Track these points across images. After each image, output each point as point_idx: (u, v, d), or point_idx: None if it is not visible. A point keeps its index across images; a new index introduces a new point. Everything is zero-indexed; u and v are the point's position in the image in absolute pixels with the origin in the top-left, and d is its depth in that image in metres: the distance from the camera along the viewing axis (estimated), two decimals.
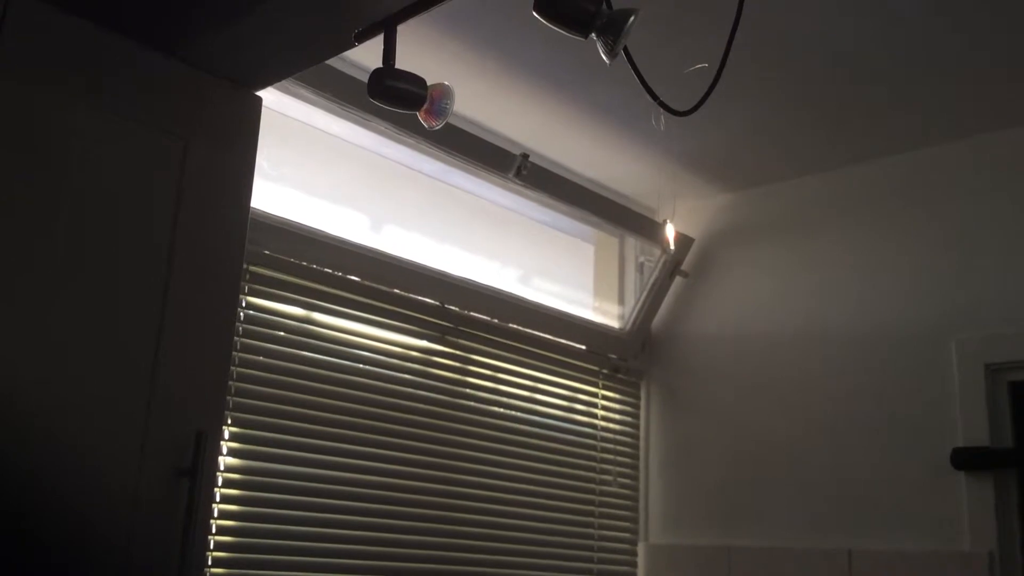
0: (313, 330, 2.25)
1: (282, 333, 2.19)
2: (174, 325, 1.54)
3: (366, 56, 2.14)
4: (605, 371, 3.00)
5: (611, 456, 2.97)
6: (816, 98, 2.44)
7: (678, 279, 3.10)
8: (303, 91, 2.15)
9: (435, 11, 1.45)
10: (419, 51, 2.15)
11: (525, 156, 2.58)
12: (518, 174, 2.58)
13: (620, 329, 3.11)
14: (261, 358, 2.13)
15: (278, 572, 2.09)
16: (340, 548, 2.21)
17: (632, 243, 3.20)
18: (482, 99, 2.47)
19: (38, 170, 1.42)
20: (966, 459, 2.40)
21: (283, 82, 1.82)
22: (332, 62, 2.01)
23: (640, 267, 3.17)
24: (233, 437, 2.06)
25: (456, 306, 2.57)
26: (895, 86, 2.35)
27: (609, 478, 2.94)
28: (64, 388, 1.40)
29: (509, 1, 2.00)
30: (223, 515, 2.01)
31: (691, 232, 3.10)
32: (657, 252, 3.11)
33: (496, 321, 2.69)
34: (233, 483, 2.04)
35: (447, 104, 1.52)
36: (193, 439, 1.52)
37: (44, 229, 1.42)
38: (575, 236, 3.16)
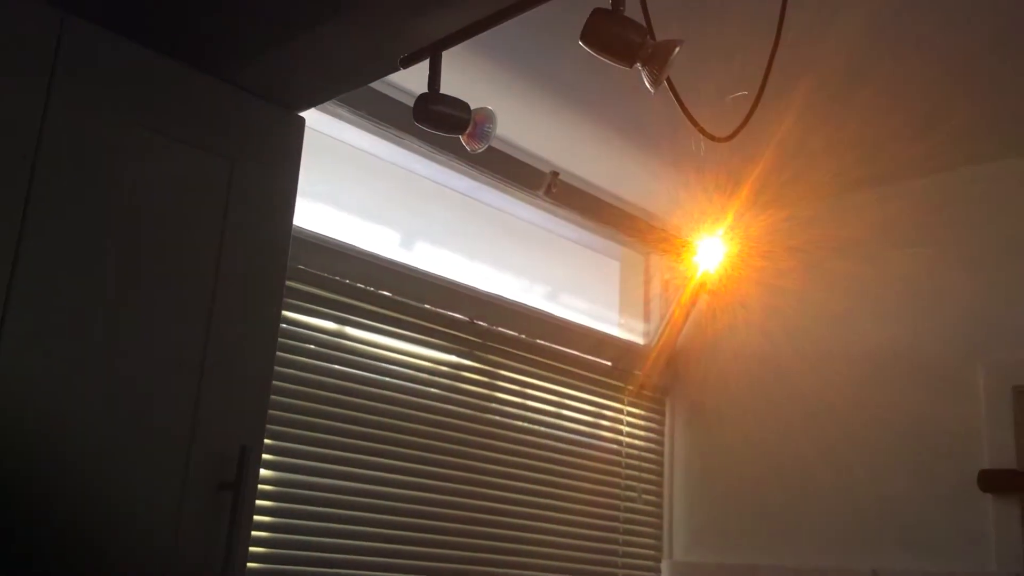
0: (345, 344, 2.28)
1: (312, 346, 2.22)
2: (219, 341, 1.57)
3: (399, 73, 2.17)
4: (630, 387, 3.02)
5: (636, 472, 2.98)
6: (846, 119, 2.45)
7: (703, 296, 3.12)
8: (337, 109, 2.18)
9: None
10: (450, 69, 2.18)
11: (555, 174, 2.61)
12: (548, 192, 2.61)
13: (645, 346, 3.12)
14: (293, 371, 2.16)
15: None
16: (368, 560, 2.23)
17: (658, 260, 3.22)
18: (513, 118, 2.49)
19: (89, 188, 1.45)
20: (993, 481, 2.41)
21: None
22: None
23: (666, 284, 3.19)
24: (265, 449, 2.08)
25: (485, 321, 2.60)
26: (926, 108, 2.37)
27: (634, 494, 2.95)
28: (110, 403, 1.43)
29: (541, 22, 2.02)
30: (256, 527, 2.04)
31: (717, 250, 3.11)
32: (683, 269, 3.12)
33: (524, 337, 2.71)
34: (266, 495, 2.07)
35: (490, 128, 1.55)
36: (236, 453, 1.54)
37: (94, 246, 1.45)
38: (601, 252, 3.19)
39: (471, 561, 2.46)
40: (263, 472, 2.07)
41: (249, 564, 1.99)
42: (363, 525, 2.24)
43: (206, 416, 1.53)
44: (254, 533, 2.02)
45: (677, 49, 1.24)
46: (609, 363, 2.97)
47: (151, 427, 1.48)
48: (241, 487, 1.53)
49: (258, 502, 2.04)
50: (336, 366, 2.25)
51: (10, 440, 1.33)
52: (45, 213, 1.39)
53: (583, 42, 1.24)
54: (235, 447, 1.55)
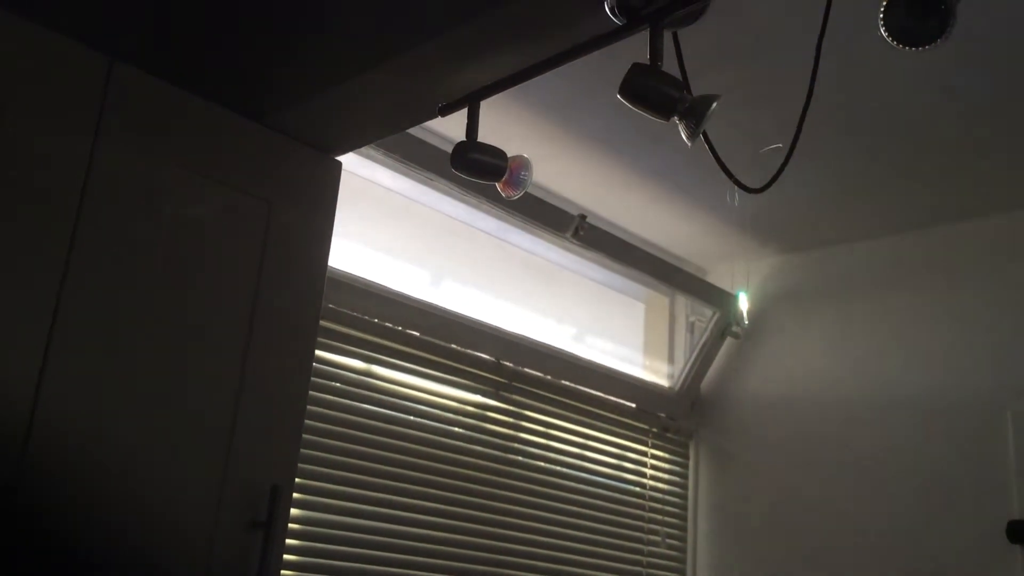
0: (371, 382, 2.29)
1: (339, 384, 2.23)
2: (253, 381, 1.58)
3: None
4: (655, 430, 3.01)
5: (659, 516, 2.97)
6: (873, 167, 2.46)
7: (728, 339, 3.11)
8: (370, 151, 2.20)
9: None
10: (484, 114, 2.22)
11: (583, 217, 2.63)
12: (575, 234, 2.62)
13: (670, 388, 3.12)
14: (320, 409, 2.18)
15: None
16: None
17: (683, 302, 3.22)
18: (544, 162, 2.51)
19: (131, 227, 1.48)
20: (1022, 532, 2.38)
21: None
22: None
23: (691, 326, 3.19)
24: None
25: (511, 362, 2.61)
26: (954, 157, 2.38)
27: (657, 538, 2.93)
28: (147, 442, 1.45)
29: (577, 71, 2.05)
30: (283, 565, 2.04)
31: (743, 293, 3.11)
32: (708, 312, 3.13)
33: (549, 378, 2.72)
34: (293, 533, 2.08)
35: (525, 175, 1.57)
36: (268, 493, 1.55)
37: (135, 284, 1.47)
38: (626, 294, 3.19)
39: None
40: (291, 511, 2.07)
41: None
42: (387, 565, 2.24)
43: (239, 455, 1.55)
44: (282, 572, 2.03)
45: (715, 104, 1.26)
46: (633, 405, 2.97)
47: (184, 466, 1.49)
48: (272, 526, 1.54)
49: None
50: (363, 404, 2.26)
51: (49, 480, 1.35)
52: (89, 249, 1.42)
53: (621, 96, 1.26)
54: (267, 486, 1.56)
